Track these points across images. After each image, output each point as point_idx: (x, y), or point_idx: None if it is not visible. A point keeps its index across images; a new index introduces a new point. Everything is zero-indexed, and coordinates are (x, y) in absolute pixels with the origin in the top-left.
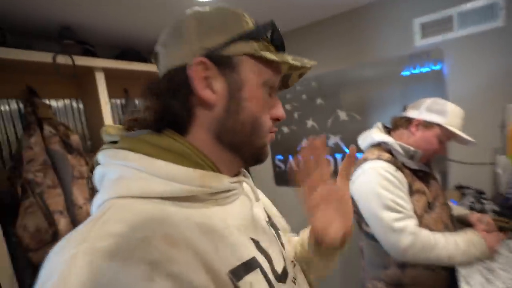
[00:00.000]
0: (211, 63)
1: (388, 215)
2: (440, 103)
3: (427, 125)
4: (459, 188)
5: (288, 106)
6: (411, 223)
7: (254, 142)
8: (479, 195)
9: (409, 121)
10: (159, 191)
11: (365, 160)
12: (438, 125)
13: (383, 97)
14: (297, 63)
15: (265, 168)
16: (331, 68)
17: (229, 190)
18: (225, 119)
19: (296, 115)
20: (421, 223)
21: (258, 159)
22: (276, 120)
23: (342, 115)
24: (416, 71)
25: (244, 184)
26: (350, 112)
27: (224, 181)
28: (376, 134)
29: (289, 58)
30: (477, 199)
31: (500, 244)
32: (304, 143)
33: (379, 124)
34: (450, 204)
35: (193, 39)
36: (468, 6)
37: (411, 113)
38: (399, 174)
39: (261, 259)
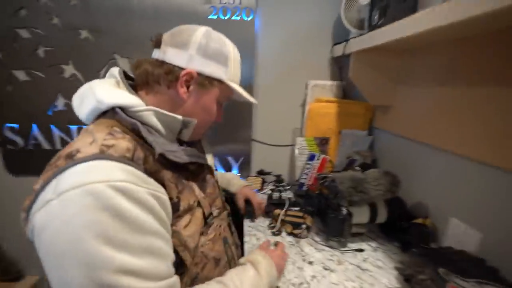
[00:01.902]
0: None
1: None
2: (215, 40)
3: (205, 84)
4: (260, 174)
5: (24, 32)
6: None
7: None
8: (278, 182)
9: (172, 71)
10: None
11: (69, 158)
12: (219, 82)
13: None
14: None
15: None
16: None
17: None
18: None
19: (41, 51)
20: (196, 255)
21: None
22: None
23: (124, 63)
24: (225, 17)
25: None
26: (134, 61)
27: None
28: (108, 92)
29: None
30: (277, 187)
31: (287, 260)
32: None
33: (116, 72)
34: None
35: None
36: None
37: (175, 56)
38: (151, 188)
39: None
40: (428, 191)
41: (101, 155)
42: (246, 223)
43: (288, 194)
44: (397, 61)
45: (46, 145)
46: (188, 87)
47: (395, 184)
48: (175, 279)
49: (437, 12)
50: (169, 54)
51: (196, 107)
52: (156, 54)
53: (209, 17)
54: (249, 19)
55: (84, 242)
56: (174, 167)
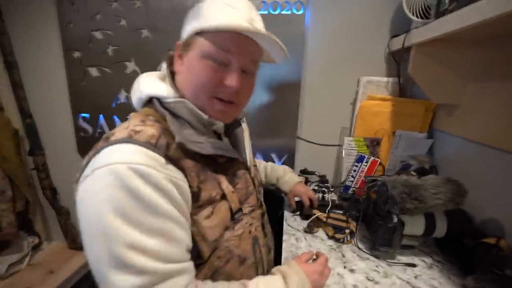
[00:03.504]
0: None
1: (120, 280)
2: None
3: (187, 44)
4: (304, 173)
5: (98, 34)
6: None
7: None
8: (322, 183)
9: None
10: None
11: (106, 140)
12: (199, 34)
13: None
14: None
15: (63, 133)
16: None
17: None
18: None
19: (110, 50)
20: (219, 248)
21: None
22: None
23: None
24: (276, 12)
25: None
26: None
27: None
28: (149, 84)
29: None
30: (320, 187)
31: (328, 274)
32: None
33: (164, 66)
34: (261, 193)
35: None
36: None
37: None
38: (169, 174)
39: None
40: (504, 206)
41: (128, 139)
42: (287, 222)
43: (332, 196)
44: (468, 54)
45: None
46: (180, 60)
47: (459, 193)
48: (188, 265)
49: None
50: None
51: (186, 73)
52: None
53: (259, 12)
54: (299, 13)
55: (103, 215)
56: (199, 157)
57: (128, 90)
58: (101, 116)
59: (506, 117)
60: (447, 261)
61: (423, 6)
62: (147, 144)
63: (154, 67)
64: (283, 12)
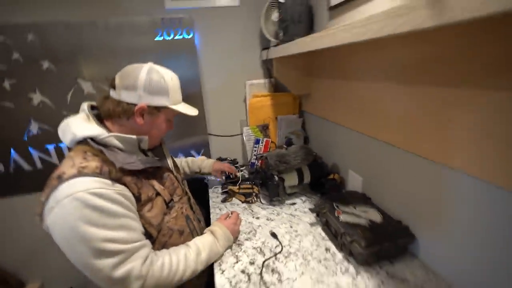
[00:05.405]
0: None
1: (104, 264)
2: (156, 79)
3: (154, 111)
4: (220, 160)
5: None
6: (135, 264)
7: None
8: (234, 164)
9: (128, 109)
10: None
11: (59, 179)
12: (165, 107)
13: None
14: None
15: None
16: (59, 17)
17: None
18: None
19: (8, 85)
20: (162, 229)
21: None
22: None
23: (87, 86)
24: (170, 37)
25: None
26: (96, 82)
27: None
28: (78, 125)
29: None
30: None
31: (240, 223)
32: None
33: (85, 107)
34: (185, 184)
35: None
36: None
37: (127, 96)
38: (116, 191)
39: None
40: (338, 154)
41: (79, 174)
42: (211, 200)
43: (243, 173)
44: (308, 61)
45: (26, 166)
46: (142, 116)
47: (309, 154)
48: (145, 241)
49: (318, 37)
50: (123, 95)
51: (151, 128)
52: (113, 94)
53: (156, 39)
54: (189, 37)
55: (79, 228)
56: (134, 171)
57: (40, 120)
58: (12, 150)
59: (330, 100)
60: (315, 195)
61: (274, 30)
62: (95, 174)
63: (63, 96)
64: (176, 38)
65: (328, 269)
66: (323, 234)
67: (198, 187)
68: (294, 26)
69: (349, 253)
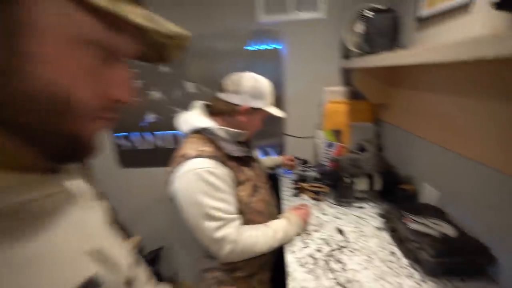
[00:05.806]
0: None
1: (209, 225)
2: (258, 87)
3: (253, 112)
4: None
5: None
6: (231, 230)
7: (58, 128)
8: (304, 164)
9: (234, 108)
10: None
11: (184, 157)
12: (262, 109)
13: (228, 70)
14: (146, 23)
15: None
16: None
17: None
18: None
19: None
20: (248, 207)
21: (71, 154)
22: (115, 101)
23: (191, 86)
24: (260, 47)
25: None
26: (197, 84)
27: None
28: (196, 119)
29: (135, 14)
30: (304, 168)
31: (311, 216)
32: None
33: (200, 104)
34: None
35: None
36: None
37: (233, 98)
38: (223, 171)
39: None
40: (412, 165)
41: (199, 155)
42: (283, 192)
43: (313, 173)
44: (388, 71)
45: (144, 146)
46: (244, 115)
47: (382, 161)
48: (238, 216)
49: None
50: (230, 97)
51: (250, 126)
52: (222, 95)
53: (248, 48)
54: (277, 47)
55: (196, 195)
56: (234, 158)
57: (155, 112)
58: (136, 133)
59: (409, 111)
60: (384, 203)
61: (357, 41)
62: (210, 156)
63: (176, 96)
64: (265, 47)
65: (392, 270)
66: (389, 239)
67: (272, 180)
68: (379, 39)
69: (415, 261)
